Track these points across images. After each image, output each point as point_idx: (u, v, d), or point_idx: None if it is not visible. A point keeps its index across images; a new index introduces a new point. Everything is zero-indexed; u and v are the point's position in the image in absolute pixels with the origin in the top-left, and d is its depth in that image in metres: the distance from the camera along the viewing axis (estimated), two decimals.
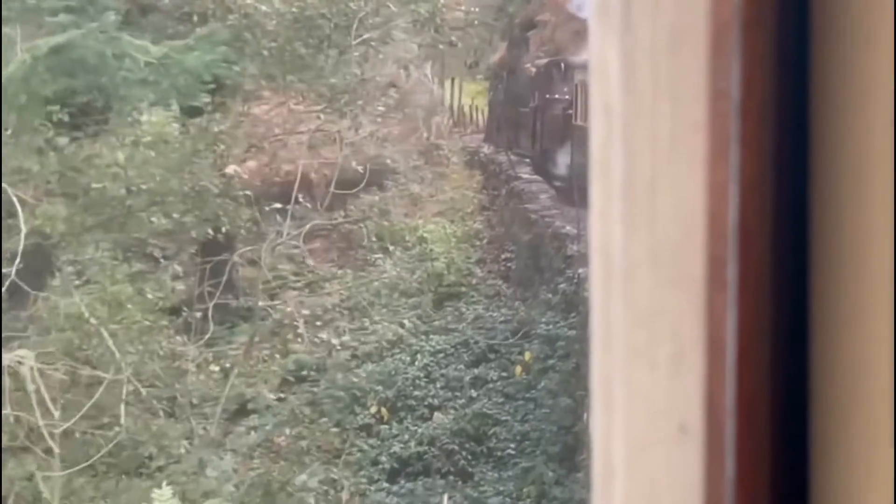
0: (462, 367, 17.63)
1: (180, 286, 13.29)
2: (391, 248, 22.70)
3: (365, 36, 12.33)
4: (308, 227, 11.59)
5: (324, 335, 19.12)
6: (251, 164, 12.87)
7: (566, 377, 14.90)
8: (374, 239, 23.21)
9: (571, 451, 14.40)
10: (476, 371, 17.37)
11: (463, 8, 37.00)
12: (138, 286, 12.62)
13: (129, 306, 12.37)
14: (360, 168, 14.65)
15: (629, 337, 0.69)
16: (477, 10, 36.05)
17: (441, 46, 22.94)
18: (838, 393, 0.67)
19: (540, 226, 20.09)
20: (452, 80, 31.95)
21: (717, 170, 0.66)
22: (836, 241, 0.66)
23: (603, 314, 0.71)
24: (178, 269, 13.27)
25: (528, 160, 23.70)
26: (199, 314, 13.18)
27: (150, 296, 12.78)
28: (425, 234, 22.55)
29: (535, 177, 22.49)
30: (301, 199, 12.78)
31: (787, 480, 0.69)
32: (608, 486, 0.72)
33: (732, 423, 0.67)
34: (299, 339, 17.50)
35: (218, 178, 10.75)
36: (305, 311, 20.81)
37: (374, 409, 16.89)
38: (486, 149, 27.09)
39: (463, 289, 20.57)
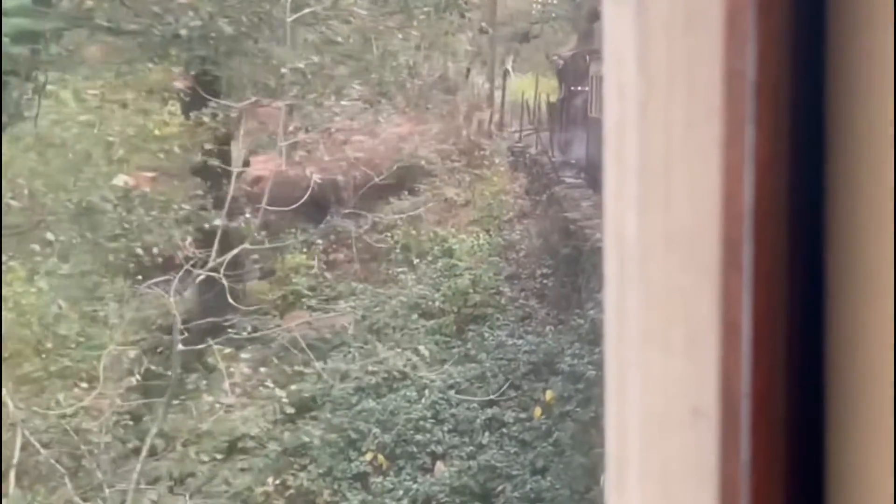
0: (475, 405, 15.07)
1: (114, 318, 10.93)
2: (416, 261, 20.25)
3: (308, 10, 9.87)
4: (235, 251, 9.16)
5: (327, 365, 16.78)
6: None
7: (584, 428, 12.28)
8: (397, 250, 20.79)
9: None
10: (490, 411, 14.80)
11: (541, 0, 34.93)
12: (46, 321, 10.34)
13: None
14: (315, 179, 12.04)
15: (643, 320, 0.69)
16: (556, 1, 33.81)
17: (467, 32, 20.36)
18: (855, 375, 0.66)
19: (578, 237, 17.51)
20: (505, 73, 29.35)
21: (732, 150, 0.65)
22: (852, 222, 0.66)
23: (617, 298, 0.70)
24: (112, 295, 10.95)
25: (573, 161, 21.29)
26: (133, 352, 10.82)
27: (63, 332, 10.50)
28: (453, 246, 20.03)
29: (579, 181, 20.03)
30: (250, 214, 10.37)
31: (802, 464, 0.68)
32: (622, 469, 0.71)
33: (748, 405, 0.66)
34: (291, 371, 15.14)
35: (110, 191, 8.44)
36: (312, 334, 18.53)
37: (369, 456, 14.47)
38: (533, 149, 24.46)
39: (489, 310, 17.98)
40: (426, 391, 15.42)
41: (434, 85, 25.92)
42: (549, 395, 14.32)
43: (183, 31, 9.51)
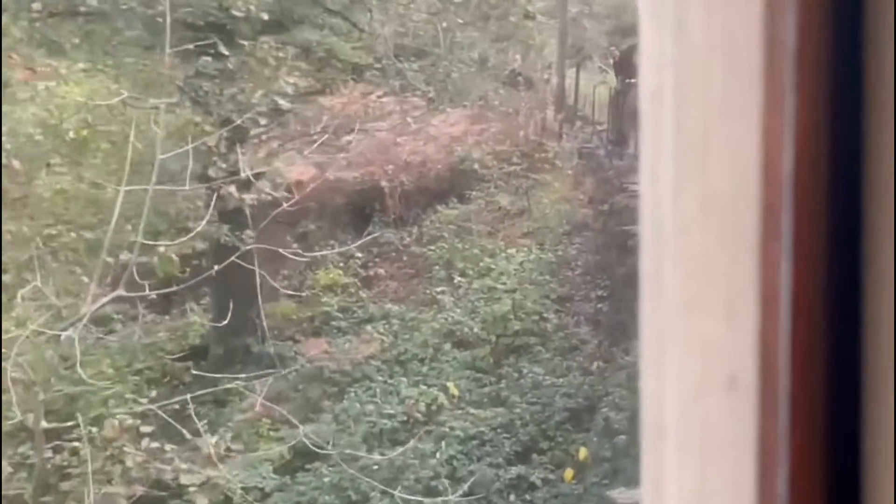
0: (501, 460, 12.59)
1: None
2: (458, 279, 17.75)
3: None
4: (107, 298, 6.84)
5: (338, 407, 14.50)
6: None
7: None
8: (436, 267, 18.32)
9: None
10: (515, 470, 12.29)
11: None
12: None
13: None
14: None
15: (681, 288, 0.68)
16: None
17: (510, 18, 17.87)
18: (893, 344, 0.65)
19: (637, 255, 14.83)
20: (577, 67, 26.62)
21: (772, 118, 0.65)
22: (892, 188, 0.65)
23: (654, 265, 0.70)
24: None
25: (637, 165, 18.64)
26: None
27: None
28: (496, 264, 17.51)
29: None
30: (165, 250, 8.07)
31: (840, 432, 0.67)
32: (659, 439, 0.71)
33: (786, 374, 0.65)
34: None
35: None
36: (331, 365, 16.24)
37: None
38: (603, 150, 21.73)
39: (531, 339, 15.42)
40: (443, 442, 12.98)
41: (505, 80, 23.47)
42: (582, 452, 11.80)
43: (34, 4, 7.37)
